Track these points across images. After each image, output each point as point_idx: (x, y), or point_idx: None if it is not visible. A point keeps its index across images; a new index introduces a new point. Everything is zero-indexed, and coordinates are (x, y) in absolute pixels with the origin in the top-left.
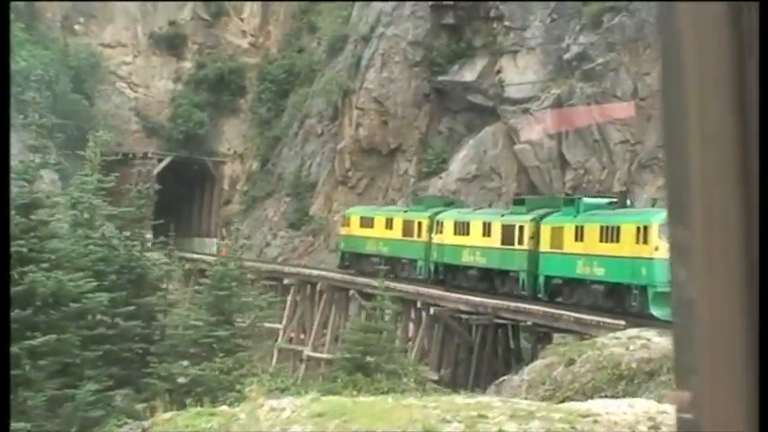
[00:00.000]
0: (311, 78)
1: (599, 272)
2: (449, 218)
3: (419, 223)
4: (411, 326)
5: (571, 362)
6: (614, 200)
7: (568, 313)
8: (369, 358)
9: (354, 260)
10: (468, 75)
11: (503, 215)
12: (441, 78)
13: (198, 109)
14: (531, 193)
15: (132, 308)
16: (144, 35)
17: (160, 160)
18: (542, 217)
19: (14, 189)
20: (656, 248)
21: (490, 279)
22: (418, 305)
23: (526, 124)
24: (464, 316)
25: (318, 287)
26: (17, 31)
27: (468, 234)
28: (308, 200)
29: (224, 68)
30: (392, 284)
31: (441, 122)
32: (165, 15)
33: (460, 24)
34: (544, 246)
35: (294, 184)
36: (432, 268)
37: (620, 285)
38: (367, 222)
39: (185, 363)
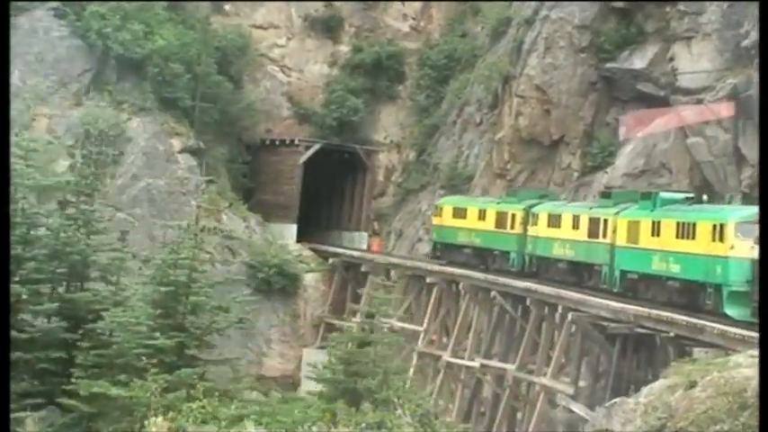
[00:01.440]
0: (473, 64)
1: (674, 268)
2: (543, 210)
3: (513, 215)
4: (544, 331)
5: (692, 384)
6: (691, 195)
7: (712, 325)
8: (358, 381)
9: (447, 251)
10: (639, 62)
11: (591, 208)
12: (609, 65)
13: (353, 95)
14: (706, 191)
15: (56, 305)
16: (298, 17)
17: (308, 147)
18: (621, 210)
19: None
20: (732, 247)
21: (578, 272)
22: (559, 309)
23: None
24: (604, 323)
25: (461, 287)
26: (158, 9)
27: (559, 227)
28: (463, 193)
29: (382, 53)
30: (533, 286)
31: (608, 113)
32: None
33: (631, 8)
34: (620, 240)
35: (450, 175)
36: (525, 260)
37: (695, 283)
38: (460, 213)
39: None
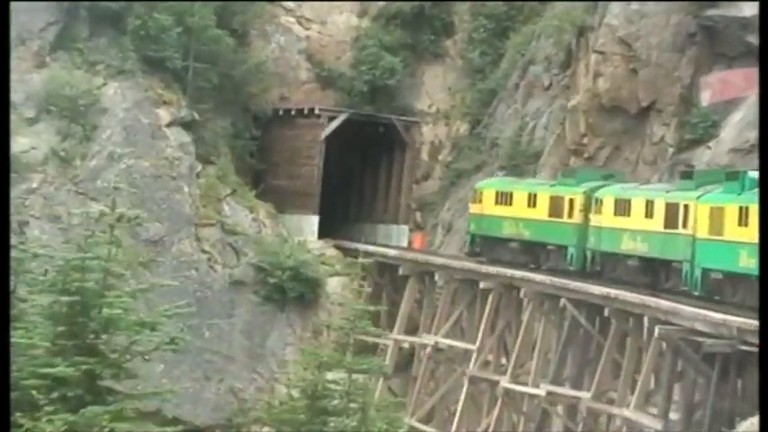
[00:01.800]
0: (540, 12)
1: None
2: (609, 194)
3: (571, 200)
4: (627, 350)
5: None
6: None
7: None
8: (327, 423)
9: (487, 246)
10: (748, 8)
11: (668, 191)
12: (710, 13)
13: (389, 52)
14: None
15: None
16: None
17: (331, 119)
18: (703, 194)
19: None
20: None
21: (653, 271)
22: (645, 322)
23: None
24: (699, 338)
25: (522, 294)
26: None
27: (629, 215)
28: (528, 175)
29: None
30: (612, 292)
31: (710, 72)
32: None
33: None
34: (701, 230)
35: (511, 153)
36: (588, 256)
37: None
38: (504, 198)
39: None
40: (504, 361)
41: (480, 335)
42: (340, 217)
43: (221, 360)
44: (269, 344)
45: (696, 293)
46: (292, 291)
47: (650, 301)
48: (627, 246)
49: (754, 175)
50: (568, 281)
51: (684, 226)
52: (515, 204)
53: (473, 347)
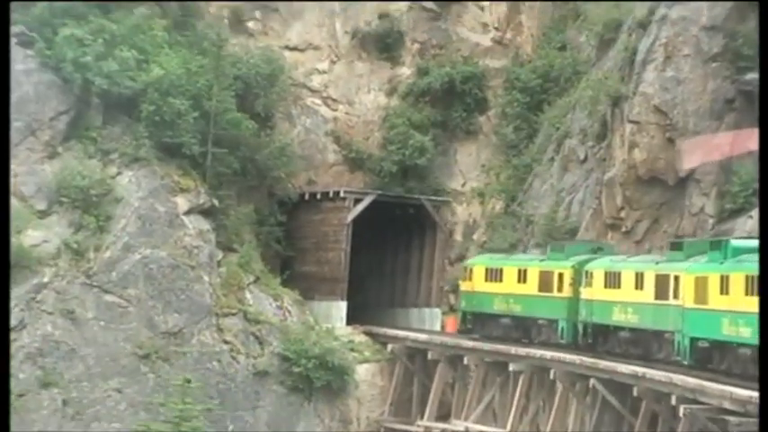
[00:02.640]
0: (575, 84)
1: (744, 332)
2: (599, 267)
3: (560, 274)
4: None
5: None
6: None
7: None
8: None
9: (479, 323)
10: None
11: (657, 263)
12: (750, 77)
13: (419, 131)
14: None
15: None
16: (345, 33)
17: (358, 201)
18: (692, 264)
19: None
20: None
21: (645, 342)
22: (672, 401)
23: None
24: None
25: (552, 375)
26: (157, 29)
27: (619, 287)
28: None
29: (456, 75)
30: (641, 371)
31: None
32: (374, 6)
33: None
34: (689, 300)
35: (547, 230)
36: (580, 329)
37: None
38: (494, 275)
39: None
40: None
41: (511, 418)
42: (370, 302)
43: None
44: None
45: (686, 363)
46: (319, 380)
47: (676, 378)
48: (618, 317)
49: (738, 242)
50: (597, 360)
51: (675, 296)
52: (505, 280)
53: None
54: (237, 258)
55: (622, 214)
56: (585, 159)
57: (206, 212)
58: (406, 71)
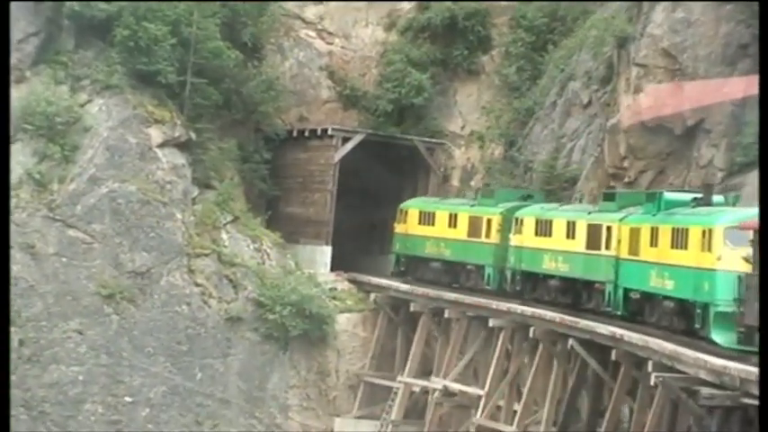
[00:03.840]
0: (583, 24)
1: (668, 285)
2: (530, 215)
3: (488, 220)
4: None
5: None
6: (699, 195)
7: None
8: None
9: (411, 265)
10: None
11: (589, 213)
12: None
13: (417, 69)
14: None
15: None
16: None
17: (346, 140)
18: (627, 215)
19: None
20: (719, 258)
21: (575, 291)
22: (649, 367)
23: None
24: (702, 389)
25: (532, 333)
26: None
27: (550, 235)
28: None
29: (458, 11)
30: (618, 332)
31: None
32: None
33: None
34: (623, 251)
35: (546, 177)
36: (508, 276)
37: (687, 302)
38: (427, 218)
39: None
40: (517, 408)
41: (489, 379)
42: (358, 248)
43: (215, 404)
44: (269, 387)
45: (618, 314)
46: (295, 328)
47: (653, 342)
48: (548, 266)
49: (671, 195)
50: (576, 319)
51: (607, 247)
52: (437, 224)
53: (481, 392)
54: (214, 196)
55: (626, 163)
56: (589, 104)
57: (182, 146)
58: (406, 5)
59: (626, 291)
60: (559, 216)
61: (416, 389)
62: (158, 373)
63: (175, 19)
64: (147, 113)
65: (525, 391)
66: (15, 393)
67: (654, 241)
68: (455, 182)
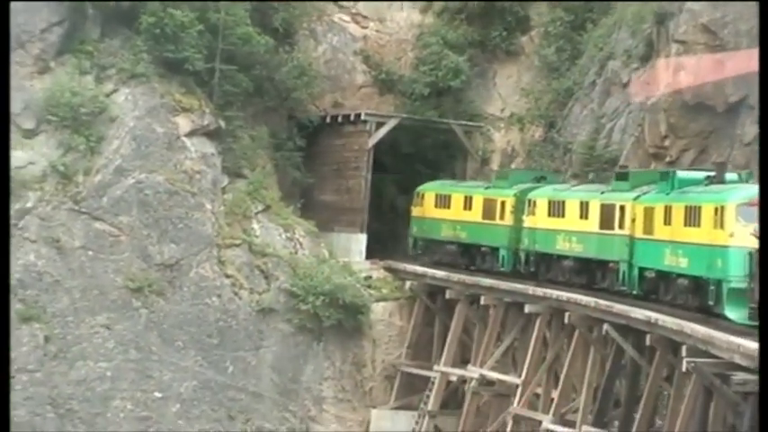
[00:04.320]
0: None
1: (682, 263)
2: (542, 196)
3: (502, 203)
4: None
5: None
6: (712, 173)
7: None
8: None
9: (428, 248)
10: None
11: (602, 192)
12: None
13: (454, 51)
14: None
15: None
16: None
17: (380, 125)
18: (641, 195)
19: None
20: (732, 235)
21: (589, 271)
22: (683, 352)
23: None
24: (736, 374)
25: (567, 319)
26: None
27: (563, 216)
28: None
29: None
30: (654, 316)
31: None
32: None
33: None
34: (638, 230)
35: (586, 159)
36: (522, 257)
37: (701, 279)
38: (443, 201)
39: None
40: (554, 397)
41: (526, 367)
42: (394, 235)
43: (248, 398)
44: (303, 379)
45: (634, 293)
46: (329, 319)
47: (687, 326)
48: (562, 246)
49: (684, 174)
50: (611, 303)
51: (621, 227)
52: (453, 207)
53: (518, 381)
54: (245, 185)
55: (666, 143)
56: (628, 83)
57: (211, 134)
58: None
59: (641, 269)
60: (572, 197)
61: (453, 378)
62: (189, 367)
63: (202, 4)
64: (175, 102)
65: (562, 378)
66: (42, 391)
67: (668, 220)
68: (495, 166)
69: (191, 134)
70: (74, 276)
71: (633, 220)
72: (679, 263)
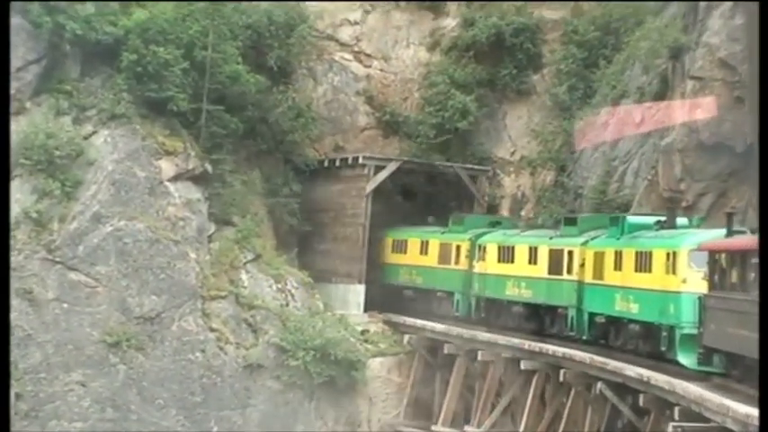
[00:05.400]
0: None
1: (633, 308)
2: (492, 241)
3: (457, 247)
4: None
5: None
6: (662, 218)
7: None
8: None
9: (389, 294)
10: None
11: (551, 238)
12: None
13: (462, 90)
14: None
15: None
16: None
17: (379, 168)
18: (591, 239)
19: None
20: (684, 281)
21: (538, 317)
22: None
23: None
24: None
25: (563, 377)
26: None
27: (512, 261)
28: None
29: (505, 27)
30: (646, 374)
31: None
32: None
33: None
34: (588, 275)
35: (596, 204)
36: (472, 303)
37: (652, 325)
38: (400, 246)
39: None
40: None
41: (522, 427)
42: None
43: None
44: None
45: (584, 338)
46: (320, 375)
47: (678, 386)
48: (511, 292)
49: (635, 219)
50: (606, 360)
51: (569, 272)
52: (409, 252)
53: None
54: (234, 233)
55: (682, 186)
56: (642, 122)
57: (197, 179)
58: (450, 22)
59: (590, 315)
60: (521, 242)
61: None
62: (170, 427)
63: (189, 41)
64: (158, 144)
65: None
66: None
67: (618, 265)
68: (504, 212)
69: (174, 179)
70: (47, 330)
71: (582, 265)
72: (630, 308)
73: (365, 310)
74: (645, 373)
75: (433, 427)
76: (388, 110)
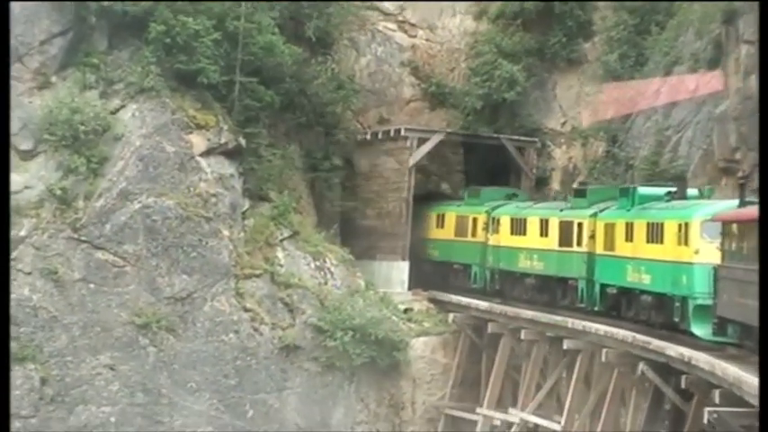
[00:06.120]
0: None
1: (645, 279)
2: (505, 213)
3: (474, 220)
4: None
5: None
6: (673, 188)
7: None
8: None
9: (433, 271)
10: None
11: (561, 210)
12: None
13: (510, 60)
14: None
15: None
16: None
17: (422, 141)
18: (600, 211)
19: None
20: (697, 252)
21: (549, 289)
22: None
23: None
24: None
25: (604, 357)
26: None
27: (524, 234)
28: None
29: None
30: (687, 354)
31: None
32: None
33: None
34: (599, 247)
35: (648, 176)
36: (487, 276)
37: (665, 296)
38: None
39: None
40: None
41: (566, 411)
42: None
43: None
44: (333, 423)
45: (596, 309)
46: (359, 356)
47: (719, 366)
48: (524, 264)
49: (646, 190)
50: (648, 339)
51: (579, 244)
52: (431, 225)
53: (558, 428)
54: (270, 209)
55: (737, 155)
56: (696, 89)
57: (230, 154)
58: None
59: (602, 286)
60: (532, 214)
61: (498, 422)
62: (203, 411)
63: (220, 12)
64: (189, 118)
65: (600, 423)
66: None
67: (629, 236)
68: (555, 184)
69: (206, 153)
70: (73, 312)
71: (592, 237)
72: (642, 279)
73: (409, 288)
74: (686, 352)
75: (478, 409)
76: (434, 81)
